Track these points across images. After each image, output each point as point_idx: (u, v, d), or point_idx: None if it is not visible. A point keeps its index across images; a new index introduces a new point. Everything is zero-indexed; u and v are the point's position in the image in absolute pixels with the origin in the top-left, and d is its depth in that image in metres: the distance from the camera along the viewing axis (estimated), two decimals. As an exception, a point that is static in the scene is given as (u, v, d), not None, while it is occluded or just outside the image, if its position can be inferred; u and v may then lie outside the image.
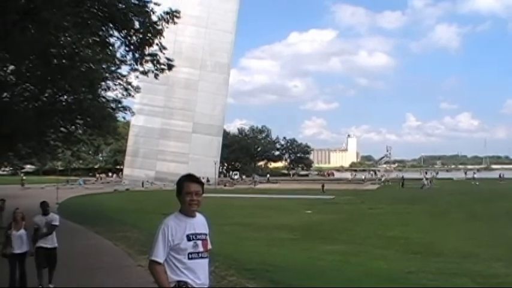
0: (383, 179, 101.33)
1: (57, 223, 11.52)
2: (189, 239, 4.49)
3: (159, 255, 4.42)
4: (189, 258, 4.47)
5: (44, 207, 11.75)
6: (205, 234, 4.67)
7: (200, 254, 4.55)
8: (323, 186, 68.59)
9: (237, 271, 12.63)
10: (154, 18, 16.52)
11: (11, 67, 24.13)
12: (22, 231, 11.12)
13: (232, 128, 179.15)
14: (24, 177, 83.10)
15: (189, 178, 4.66)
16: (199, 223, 4.67)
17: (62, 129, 31.93)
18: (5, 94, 26.33)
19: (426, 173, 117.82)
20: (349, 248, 21.23)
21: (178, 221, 4.55)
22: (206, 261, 4.64)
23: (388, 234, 25.81)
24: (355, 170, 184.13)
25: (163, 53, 18.21)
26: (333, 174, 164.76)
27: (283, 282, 11.43)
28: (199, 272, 4.52)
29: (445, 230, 27.71)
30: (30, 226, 11.29)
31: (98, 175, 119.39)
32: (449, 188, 70.89)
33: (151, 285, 10.20)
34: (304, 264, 16.64)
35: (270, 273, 12.73)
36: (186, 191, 4.55)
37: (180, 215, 4.60)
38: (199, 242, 4.55)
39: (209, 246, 4.67)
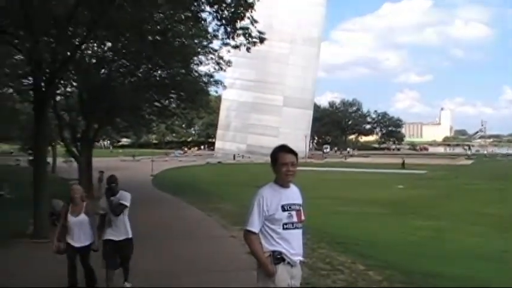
0: (469, 153, 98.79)
1: (127, 203, 8.50)
2: (283, 210, 4.50)
3: (254, 225, 4.47)
4: (283, 229, 4.49)
5: (111, 184, 8.70)
6: (300, 205, 4.66)
7: (294, 224, 4.55)
8: (403, 162, 66.21)
9: (328, 244, 12.65)
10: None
11: (109, 44, 24.92)
12: (82, 217, 8.31)
13: (323, 101, 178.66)
14: (134, 152, 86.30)
15: (284, 149, 4.66)
16: (293, 194, 4.67)
17: (157, 103, 32.72)
18: (103, 70, 27.31)
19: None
20: (442, 224, 20.73)
21: (273, 192, 4.55)
22: (300, 231, 4.64)
23: (483, 210, 24.95)
24: (448, 145, 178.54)
25: (255, 27, 18.21)
26: (425, 149, 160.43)
27: (374, 257, 11.31)
28: (294, 242, 4.54)
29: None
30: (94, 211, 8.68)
31: (185, 148, 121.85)
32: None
33: (243, 256, 10.51)
34: (395, 239, 16.46)
35: (360, 247, 12.70)
36: (282, 162, 4.55)
37: (275, 186, 4.60)
38: (294, 213, 4.55)
39: (303, 217, 4.66)
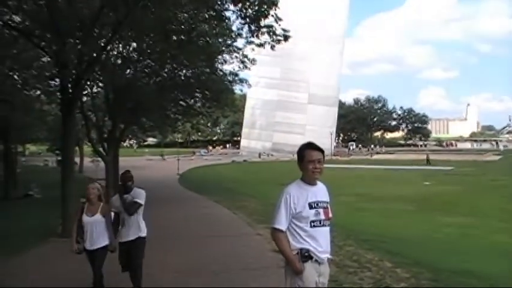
0: (501, 148, 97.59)
1: (141, 201, 8.00)
2: (311, 207, 4.51)
3: (282, 223, 4.48)
4: (311, 226, 4.51)
5: (125, 182, 8.20)
6: (327, 202, 4.67)
7: (322, 222, 4.56)
8: (428, 157, 65.28)
9: (355, 241, 12.63)
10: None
11: (133, 44, 25.11)
12: (98, 217, 7.78)
13: (348, 98, 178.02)
14: (162, 151, 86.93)
15: (311, 146, 4.68)
16: (320, 191, 4.68)
17: (182, 102, 32.79)
18: (128, 71, 27.50)
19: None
20: (469, 220, 20.51)
21: (300, 189, 4.57)
22: (327, 229, 4.66)
23: (510, 207, 24.63)
24: (475, 140, 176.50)
25: (279, 25, 18.20)
26: (452, 145, 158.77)
27: (401, 254, 11.27)
28: (321, 239, 4.55)
29: None
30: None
31: (209, 147, 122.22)
32: None
33: (270, 254, 10.54)
34: (422, 236, 16.36)
35: (387, 244, 12.66)
36: (309, 159, 4.57)
37: (301, 183, 4.62)
38: (321, 210, 4.56)
39: (330, 215, 4.66)
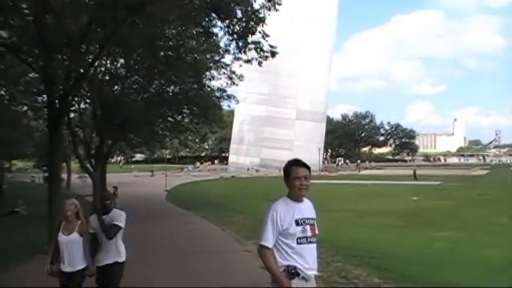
0: (493, 163, 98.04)
1: (121, 223, 7.24)
2: (297, 224, 4.49)
3: (269, 240, 4.46)
4: (297, 243, 4.48)
5: (103, 201, 7.51)
6: (313, 219, 4.65)
7: (309, 239, 4.53)
8: (415, 172, 65.02)
9: (343, 257, 12.60)
10: (256, 6, 16.65)
11: (121, 61, 25.13)
12: (74, 237, 7.11)
13: (337, 114, 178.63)
14: (153, 168, 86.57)
15: (297, 163, 4.66)
16: (307, 208, 4.66)
17: (170, 118, 32.82)
18: (116, 87, 27.49)
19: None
20: (458, 235, 20.49)
21: (287, 206, 4.55)
22: (314, 246, 4.63)
23: (499, 221, 24.60)
24: (463, 155, 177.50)
25: (267, 41, 18.28)
26: (440, 160, 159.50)
27: (390, 269, 11.24)
28: (308, 256, 4.52)
29: None
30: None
31: (197, 163, 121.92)
32: None
33: (258, 270, 10.48)
34: (411, 251, 16.33)
35: (376, 260, 12.61)
36: (295, 176, 4.55)
37: (288, 200, 4.60)
38: (308, 227, 4.54)
39: (317, 231, 4.64)
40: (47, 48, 14.97)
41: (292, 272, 4.41)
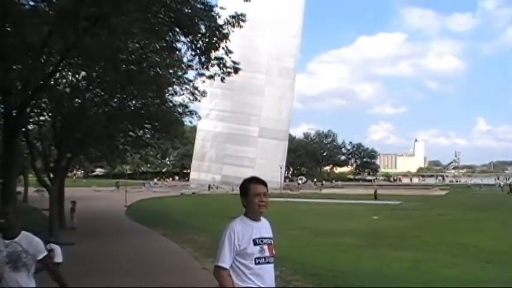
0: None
1: (57, 259, 5.96)
2: (255, 244, 4.36)
3: (225, 261, 4.29)
4: (255, 263, 4.34)
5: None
6: (271, 239, 4.52)
7: (267, 259, 4.40)
8: (376, 192, 65.90)
9: (303, 276, 12.49)
10: (220, 22, 16.60)
11: (83, 73, 24.77)
12: None
13: (299, 132, 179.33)
14: (118, 181, 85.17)
15: (255, 180, 4.55)
16: (264, 227, 4.54)
17: (131, 133, 32.49)
18: (76, 99, 27.05)
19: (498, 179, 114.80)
20: (418, 255, 20.72)
21: (245, 225, 4.41)
22: (272, 266, 4.50)
23: (458, 241, 25.01)
24: (422, 175, 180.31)
25: (230, 57, 18.26)
26: (400, 180, 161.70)
27: (350, 288, 11.23)
28: (266, 277, 4.39)
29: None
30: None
31: (155, 180, 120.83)
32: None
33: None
34: (372, 271, 16.37)
35: (336, 279, 12.54)
36: (255, 192, 4.43)
37: (245, 219, 4.46)
38: (266, 247, 4.41)
39: (274, 251, 4.51)
40: (5, 58, 14.63)
41: None
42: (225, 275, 4.29)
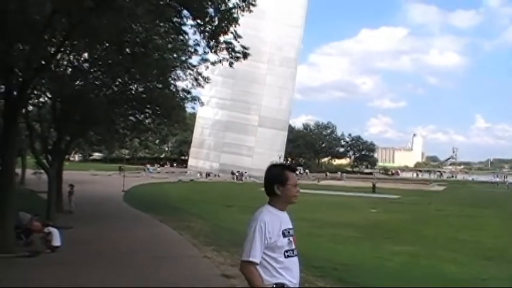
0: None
1: None
2: (284, 235, 4.06)
3: (257, 255, 3.94)
4: (285, 257, 4.03)
5: None
6: (293, 230, 4.25)
7: (294, 252, 4.12)
8: (374, 185, 65.71)
9: (305, 268, 12.22)
10: (230, 5, 16.21)
11: (85, 55, 24.41)
12: None
13: (299, 123, 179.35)
14: (121, 166, 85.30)
15: (291, 168, 4.32)
16: (287, 217, 4.26)
17: (131, 117, 32.14)
18: (78, 81, 26.67)
19: (497, 176, 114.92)
20: (418, 249, 20.58)
21: (273, 216, 4.09)
22: (297, 258, 4.20)
23: (458, 237, 24.91)
24: (420, 170, 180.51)
25: (238, 42, 17.88)
26: (398, 174, 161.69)
27: (353, 282, 11.09)
28: (295, 270, 4.10)
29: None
30: None
31: (148, 165, 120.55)
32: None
33: (219, 279, 10.03)
34: (373, 264, 16.21)
35: (338, 272, 12.44)
36: (294, 183, 4.18)
37: (272, 209, 4.15)
38: (292, 238, 4.13)
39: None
40: (8, 35, 14.26)
41: None
42: (256, 271, 3.94)
